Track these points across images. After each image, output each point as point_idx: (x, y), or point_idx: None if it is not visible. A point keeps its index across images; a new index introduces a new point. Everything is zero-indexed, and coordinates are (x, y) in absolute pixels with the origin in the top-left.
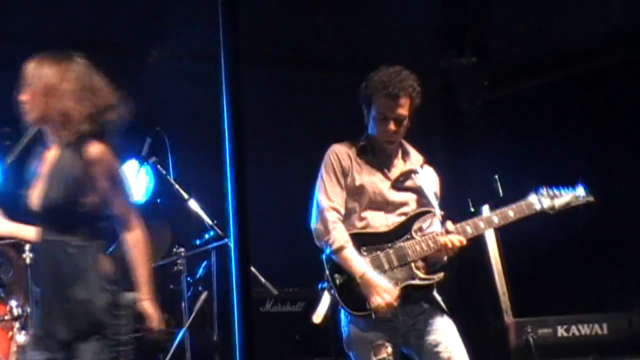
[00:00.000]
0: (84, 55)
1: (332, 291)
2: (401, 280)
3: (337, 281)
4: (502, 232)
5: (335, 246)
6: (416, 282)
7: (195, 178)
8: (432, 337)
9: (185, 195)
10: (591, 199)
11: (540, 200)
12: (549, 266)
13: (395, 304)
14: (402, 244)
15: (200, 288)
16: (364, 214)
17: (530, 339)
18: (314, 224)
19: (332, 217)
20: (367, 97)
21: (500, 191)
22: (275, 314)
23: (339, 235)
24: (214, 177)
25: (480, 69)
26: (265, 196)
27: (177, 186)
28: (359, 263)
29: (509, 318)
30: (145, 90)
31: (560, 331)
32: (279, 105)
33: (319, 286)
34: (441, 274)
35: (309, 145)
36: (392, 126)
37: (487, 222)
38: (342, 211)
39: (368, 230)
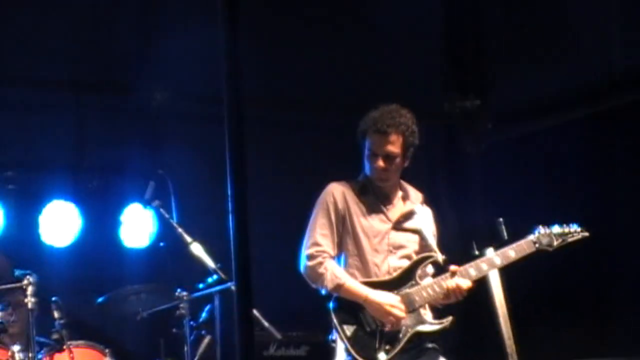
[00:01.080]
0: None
1: (343, 342)
2: (410, 327)
3: (347, 332)
4: (507, 276)
5: (331, 286)
6: (426, 327)
7: (199, 222)
8: None
9: (189, 239)
10: (586, 233)
11: (539, 238)
12: (553, 310)
13: (404, 315)
14: (408, 290)
15: (203, 332)
16: (364, 256)
17: None
18: (302, 268)
19: (319, 259)
20: (362, 134)
21: (505, 234)
22: (279, 357)
23: (331, 274)
24: (217, 221)
25: (483, 112)
26: (268, 239)
27: (180, 230)
28: (359, 289)
29: None
30: (149, 133)
31: None
32: (283, 147)
33: (329, 338)
34: (450, 318)
35: (312, 187)
36: (381, 163)
37: (489, 263)
38: (332, 253)
39: (373, 279)
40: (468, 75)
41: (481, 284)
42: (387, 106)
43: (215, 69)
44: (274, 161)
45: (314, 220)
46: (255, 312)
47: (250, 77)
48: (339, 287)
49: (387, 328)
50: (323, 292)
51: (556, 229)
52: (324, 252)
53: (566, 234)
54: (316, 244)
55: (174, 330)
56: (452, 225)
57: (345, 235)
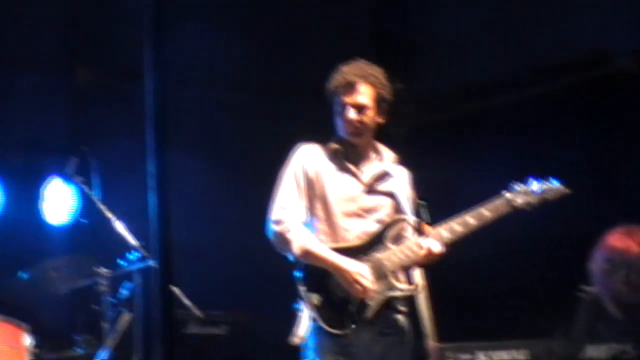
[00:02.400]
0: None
1: (310, 311)
2: (380, 294)
3: (315, 300)
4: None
5: (299, 252)
6: (396, 293)
7: (121, 199)
8: None
9: (111, 216)
10: (567, 191)
11: (515, 197)
12: (473, 291)
13: (372, 286)
14: (378, 255)
15: (123, 309)
16: (334, 221)
17: None
18: (269, 232)
19: (287, 225)
20: (331, 92)
21: (427, 217)
22: (199, 336)
23: (299, 239)
24: (140, 199)
25: (407, 96)
26: (190, 218)
27: (102, 206)
28: (328, 256)
29: (430, 343)
30: (72, 110)
31: (481, 357)
32: (207, 127)
33: (295, 307)
34: (421, 283)
35: (236, 167)
36: (352, 113)
37: (463, 224)
38: (300, 217)
39: (342, 244)
40: (392, 60)
41: None
42: (355, 61)
43: (139, 45)
44: (196, 141)
45: (281, 183)
46: (176, 290)
47: (172, 56)
48: (306, 253)
49: (356, 295)
50: (290, 258)
51: (534, 185)
52: (291, 216)
53: (545, 191)
54: (283, 207)
55: (94, 307)
56: None
57: (314, 199)
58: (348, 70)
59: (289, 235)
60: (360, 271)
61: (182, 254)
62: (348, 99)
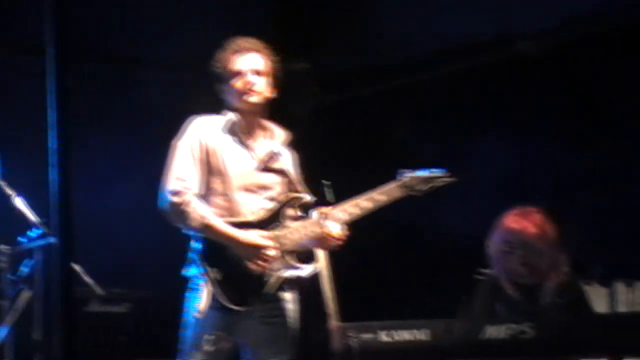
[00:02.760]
0: None
1: (209, 285)
2: (276, 271)
3: (213, 275)
4: None
5: (198, 225)
6: (294, 272)
7: (21, 175)
8: (269, 348)
9: (11, 192)
10: (452, 178)
11: (409, 182)
12: (377, 271)
13: (276, 257)
14: (276, 232)
15: (22, 287)
16: (231, 195)
17: (353, 344)
18: (163, 205)
19: (184, 197)
20: (221, 64)
21: (331, 197)
22: (100, 314)
23: (198, 212)
24: (41, 175)
25: (311, 76)
26: (92, 194)
27: (1, 182)
28: (228, 230)
29: (333, 322)
30: None
31: (383, 336)
32: (107, 102)
33: (192, 281)
34: (317, 264)
35: (138, 142)
36: (249, 78)
37: (358, 206)
38: (197, 190)
39: (237, 219)
40: (296, 39)
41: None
42: (247, 37)
43: (40, 21)
44: (98, 116)
45: (176, 155)
46: (76, 267)
47: (74, 30)
48: (206, 226)
49: (255, 270)
50: (187, 231)
51: (422, 173)
52: (188, 188)
53: (433, 179)
54: (180, 179)
55: None
56: None
57: (211, 172)
58: (239, 43)
59: (188, 208)
60: (263, 243)
61: (83, 231)
62: (246, 66)
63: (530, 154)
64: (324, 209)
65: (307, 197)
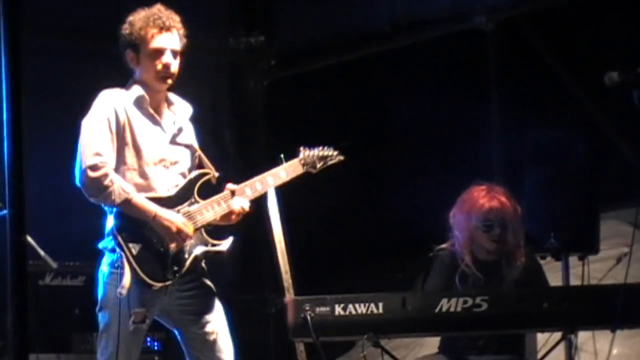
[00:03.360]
0: None
1: (129, 261)
2: (194, 247)
3: (133, 251)
4: (287, 210)
5: (119, 201)
6: (209, 248)
7: None
8: (201, 317)
9: None
10: (341, 157)
11: (305, 159)
12: (331, 244)
13: (192, 234)
14: (188, 208)
15: None
16: (144, 170)
17: (308, 317)
18: (81, 180)
19: (104, 171)
20: (136, 36)
21: None
22: (55, 287)
23: (119, 187)
24: None
25: (267, 49)
26: (46, 166)
27: None
28: (148, 205)
29: (288, 296)
30: None
31: (338, 310)
32: (57, 76)
33: (116, 257)
34: (231, 239)
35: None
36: (169, 58)
37: (262, 182)
38: (113, 165)
39: (150, 194)
40: (253, 12)
41: (260, 217)
42: (157, 6)
43: None
44: (50, 87)
45: (91, 129)
46: (30, 240)
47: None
48: (127, 202)
49: (173, 247)
50: (106, 207)
51: (318, 150)
52: (107, 163)
53: (326, 157)
54: (99, 154)
55: None
56: (235, 160)
57: (125, 146)
58: (161, 15)
59: (107, 183)
60: (180, 220)
61: (36, 204)
62: (165, 44)
63: (482, 130)
64: (232, 186)
65: (216, 173)
